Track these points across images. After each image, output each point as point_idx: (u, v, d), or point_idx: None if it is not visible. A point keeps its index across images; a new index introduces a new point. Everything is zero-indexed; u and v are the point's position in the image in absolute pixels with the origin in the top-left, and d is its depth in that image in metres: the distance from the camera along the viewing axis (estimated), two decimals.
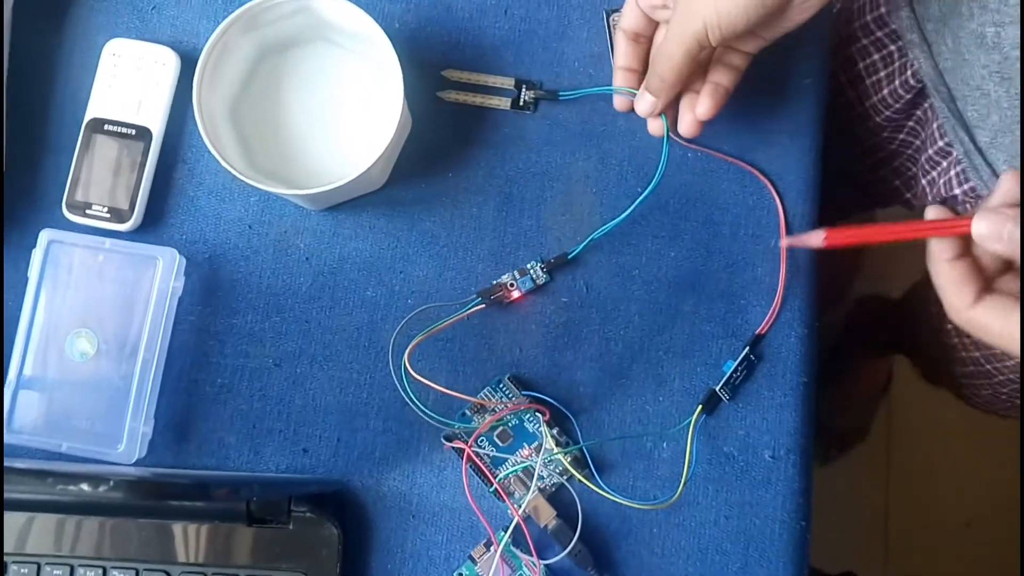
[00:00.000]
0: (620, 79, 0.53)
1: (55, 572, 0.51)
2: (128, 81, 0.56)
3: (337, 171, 0.53)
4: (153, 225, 0.57)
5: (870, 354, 1.30)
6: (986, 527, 1.26)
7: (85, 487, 0.28)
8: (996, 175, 0.54)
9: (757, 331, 0.57)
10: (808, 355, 0.57)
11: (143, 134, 0.56)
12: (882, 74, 0.64)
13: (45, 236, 0.54)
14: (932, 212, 0.44)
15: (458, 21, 0.59)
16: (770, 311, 0.57)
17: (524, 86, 0.58)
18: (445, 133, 0.58)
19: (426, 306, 0.55)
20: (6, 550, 0.51)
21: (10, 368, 0.53)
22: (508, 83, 0.58)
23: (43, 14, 0.59)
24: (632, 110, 0.53)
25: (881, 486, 1.31)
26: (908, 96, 0.63)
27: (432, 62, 0.58)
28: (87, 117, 0.56)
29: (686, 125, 0.52)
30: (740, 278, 0.57)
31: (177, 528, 0.52)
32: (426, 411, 0.52)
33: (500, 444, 0.55)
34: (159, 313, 0.54)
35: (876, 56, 0.64)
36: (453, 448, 0.54)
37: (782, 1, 0.45)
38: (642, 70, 0.53)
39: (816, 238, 0.46)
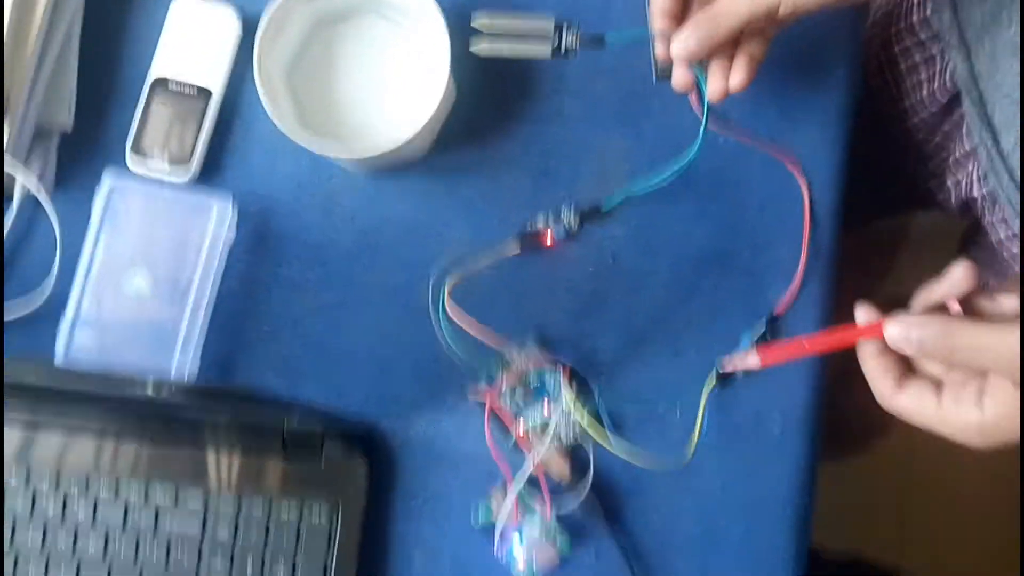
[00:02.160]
0: (660, 24, 0.50)
1: (103, 493, 0.56)
2: (192, 40, 0.60)
3: (385, 137, 0.57)
4: (209, 177, 0.61)
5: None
6: (1005, 516, 1.25)
7: (150, 390, 0.31)
8: (1014, 180, 0.56)
9: (775, 310, 0.59)
10: None
11: (203, 93, 0.60)
12: (923, 76, 0.66)
13: (108, 179, 0.58)
14: (859, 315, 0.48)
15: None
16: (788, 292, 0.59)
17: (565, 29, 0.52)
18: (487, 106, 0.61)
19: (464, 251, 0.57)
20: (56, 467, 0.55)
21: (69, 300, 0.57)
22: (547, 28, 0.53)
23: None
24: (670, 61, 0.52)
25: (900, 473, 1.32)
26: (945, 100, 0.64)
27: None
28: (152, 74, 0.60)
29: (715, 92, 0.52)
30: (762, 258, 0.60)
31: (215, 457, 0.56)
32: (458, 353, 0.55)
33: (522, 400, 0.58)
34: (211, 258, 0.57)
35: (918, 58, 0.65)
36: (477, 400, 0.57)
37: None
38: (682, 16, 0.51)
39: (752, 359, 0.48)
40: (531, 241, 0.58)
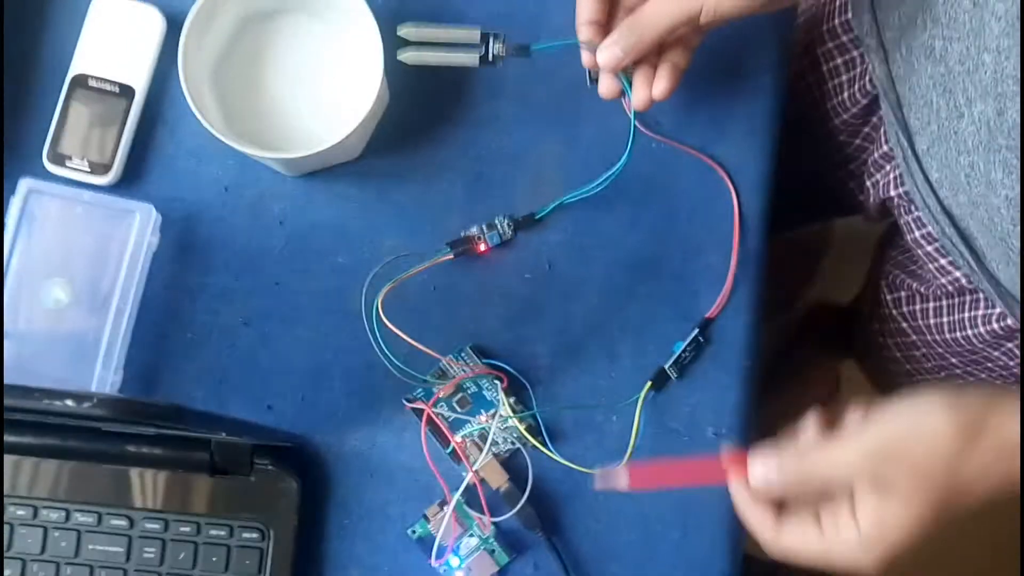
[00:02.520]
0: (585, 33, 0.51)
1: (18, 512, 0.53)
2: (114, 39, 0.58)
3: (315, 139, 0.55)
4: (131, 181, 0.58)
5: (818, 360, 1.34)
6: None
7: (70, 402, 0.30)
8: (928, 181, 0.57)
9: (707, 315, 0.60)
10: (753, 340, 0.60)
11: (126, 91, 0.57)
12: (844, 78, 0.67)
13: (24, 185, 0.55)
14: (726, 452, 0.47)
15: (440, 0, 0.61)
16: (720, 296, 0.60)
17: (492, 38, 0.53)
18: (421, 109, 0.60)
19: (396, 256, 0.56)
20: None
21: None
22: (474, 37, 0.54)
23: None
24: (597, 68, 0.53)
25: None
26: (865, 101, 0.66)
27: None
28: (71, 72, 0.57)
29: (640, 101, 0.52)
30: (694, 264, 0.61)
31: (140, 475, 0.53)
32: (395, 361, 0.54)
33: (459, 409, 0.57)
34: (133, 266, 0.55)
35: (839, 60, 0.67)
36: (414, 409, 0.56)
37: None
38: (608, 25, 0.51)
39: (622, 478, 0.47)
40: (464, 248, 0.58)
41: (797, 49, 0.72)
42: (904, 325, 0.74)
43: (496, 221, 0.59)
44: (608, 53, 0.50)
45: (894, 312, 0.75)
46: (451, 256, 0.57)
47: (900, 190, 0.63)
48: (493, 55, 0.53)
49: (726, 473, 0.46)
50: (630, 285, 0.60)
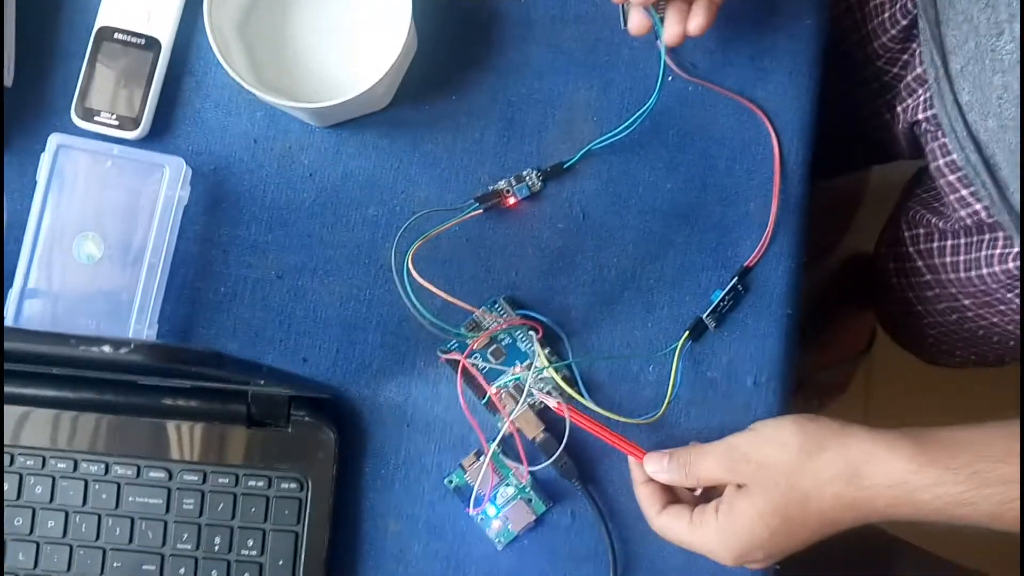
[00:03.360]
0: None
1: (59, 465, 0.53)
2: None
3: (343, 89, 0.54)
4: (160, 135, 0.58)
5: (853, 312, 1.32)
6: None
7: (107, 348, 0.29)
8: (958, 104, 0.55)
9: (746, 263, 0.58)
10: (794, 288, 0.59)
11: (152, 44, 0.57)
12: None
13: (54, 140, 0.55)
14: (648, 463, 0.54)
15: None
16: (759, 244, 0.59)
17: None
18: (451, 56, 0.59)
19: (425, 211, 0.56)
20: (7, 442, 0.53)
21: (17, 268, 0.54)
22: None
23: None
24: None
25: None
26: (904, 22, 0.63)
27: None
28: (96, 25, 0.57)
29: (672, 36, 0.52)
30: (733, 212, 0.59)
31: (177, 427, 0.54)
32: (427, 315, 0.53)
33: (493, 360, 0.57)
34: (164, 220, 0.55)
35: None
36: (449, 360, 0.56)
37: None
38: None
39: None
40: (493, 203, 0.57)
41: None
42: (920, 264, 0.73)
43: (524, 174, 0.57)
44: None
45: (911, 250, 0.73)
46: (480, 212, 0.56)
47: (928, 113, 0.61)
48: None
49: (627, 450, 0.54)
50: (666, 233, 0.59)
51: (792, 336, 0.59)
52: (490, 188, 0.58)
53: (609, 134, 0.57)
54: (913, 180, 0.78)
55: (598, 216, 0.59)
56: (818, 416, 0.51)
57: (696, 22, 0.51)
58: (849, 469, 0.47)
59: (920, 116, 0.63)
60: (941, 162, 0.62)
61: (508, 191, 0.57)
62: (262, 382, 0.42)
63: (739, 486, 0.50)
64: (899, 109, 0.66)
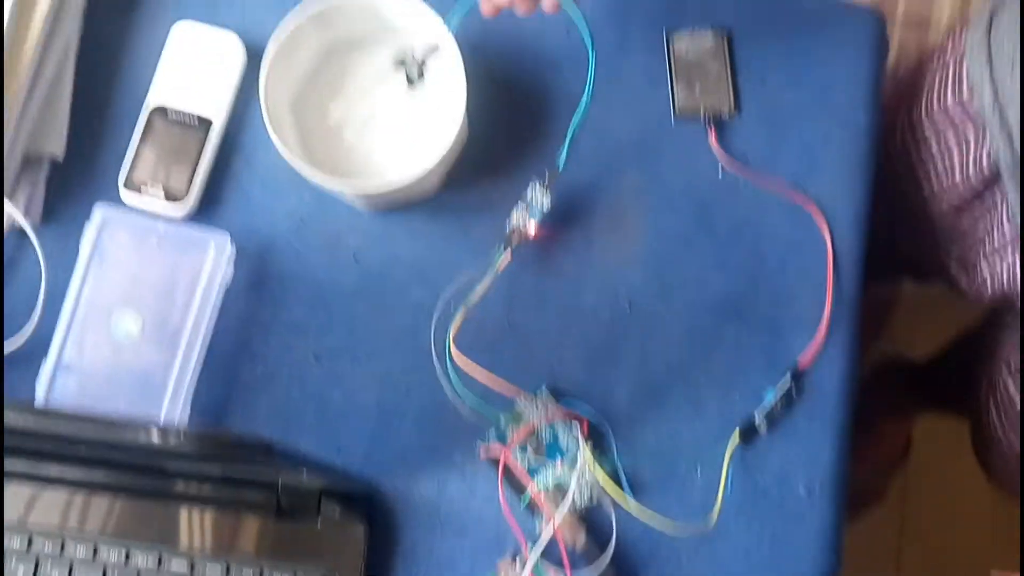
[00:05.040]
0: None
1: (78, 549, 0.51)
2: (193, 66, 0.57)
3: (392, 173, 0.54)
4: (206, 212, 0.57)
5: (890, 417, 1.29)
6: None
7: (156, 438, 0.28)
8: None
9: (799, 364, 0.56)
10: (849, 392, 0.57)
11: (204, 122, 0.57)
12: (956, 158, 0.63)
13: (99, 212, 0.54)
14: None
15: (523, 36, 0.60)
16: (812, 344, 0.56)
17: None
18: (501, 142, 0.59)
19: (463, 278, 0.54)
20: (27, 523, 0.51)
21: (52, 341, 0.53)
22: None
23: None
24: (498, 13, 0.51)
25: (894, 548, 1.29)
26: (980, 183, 0.61)
27: (492, 74, 0.59)
28: (150, 101, 0.57)
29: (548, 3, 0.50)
30: (785, 310, 0.57)
31: (202, 515, 0.51)
32: (466, 397, 0.51)
33: (534, 456, 0.54)
34: (206, 299, 0.54)
35: (952, 139, 0.62)
36: (488, 457, 0.53)
37: None
38: None
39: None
40: (517, 240, 0.54)
41: (898, 126, 0.68)
42: None
43: (527, 193, 0.54)
44: None
45: (1016, 398, 0.69)
46: (509, 256, 0.54)
47: None
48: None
49: None
50: (716, 329, 0.57)
51: (847, 443, 0.56)
52: (507, 231, 0.55)
53: (580, 111, 0.55)
54: (996, 319, 0.74)
55: (644, 307, 0.57)
56: None
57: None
58: None
59: (1019, 284, 0.60)
60: None
61: (523, 221, 0.55)
62: (304, 474, 0.40)
63: None
64: (987, 273, 0.64)
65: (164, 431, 0.28)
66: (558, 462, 0.54)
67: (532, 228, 0.55)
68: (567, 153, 0.55)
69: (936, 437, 1.25)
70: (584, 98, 0.52)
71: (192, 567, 0.51)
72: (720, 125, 0.59)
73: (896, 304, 1.27)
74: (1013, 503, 1.02)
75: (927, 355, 1.17)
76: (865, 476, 1.30)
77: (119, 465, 0.51)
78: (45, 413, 0.29)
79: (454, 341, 0.52)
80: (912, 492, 1.31)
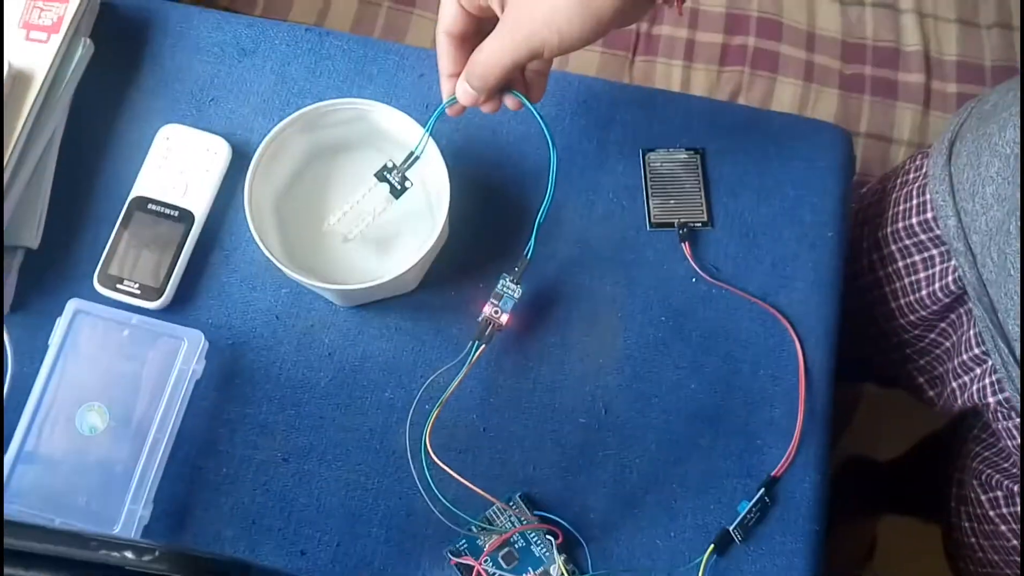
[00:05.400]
0: (449, 88, 0.51)
1: None
2: (178, 165, 0.58)
3: (371, 271, 0.54)
4: (181, 305, 0.57)
5: (852, 517, 1.28)
6: None
7: (129, 555, 0.27)
8: None
9: (772, 473, 0.56)
10: (821, 502, 0.57)
11: (185, 217, 0.57)
12: (922, 276, 0.65)
13: (72, 305, 0.54)
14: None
15: (502, 145, 0.62)
16: (786, 454, 0.57)
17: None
18: (479, 245, 0.59)
19: (435, 374, 0.54)
20: None
21: (15, 433, 0.52)
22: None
23: (104, 94, 0.61)
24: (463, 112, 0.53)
25: None
26: (946, 300, 0.63)
27: (474, 177, 0.60)
28: (131, 194, 0.57)
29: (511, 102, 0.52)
30: (758, 417, 0.58)
31: None
32: (444, 501, 0.50)
33: (505, 566, 0.53)
34: (175, 395, 0.53)
35: (917, 257, 0.64)
36: (459, 564, 0.52)
37: (614, 22, 0.45)
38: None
39: None
40: (490, 331, 0.53)
41: (864, 242, 0.70)
42: (1004, 528, 0.69)
43: (499, 287, 0.54)
44: (465, 94, 0.50)
45: (991, 514, 0.70)
46: (484, 348, 0.53)
47: (1000, 396, 0.60)
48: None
49: None
50: (691, 435, 0.57)
51: (819, 553, 0.56)
52: (479, 320, 0.54)
53: (546, 203, 0.53)
54: (962, 429, 0.75)
55: (620, 412, 0.57)
56: None
57: (535, 94, 0.52)
58: None
59: (989, 399, 0.61)
60: (1015, 443, 0.60)
61: (496, 312, 0.54)
62: None
63: None
64: (954, 386, 0.65)
65: (137, 550, 0.27)
66: (529, 573, 0.53)
67: (504, 318, 0.54)
68: (535, 243, 0.54)
69: (899, 539, 1.24)
70: (549, 189, 0.53)
71: None
72: (694, 236, 0.60)
73: (860, 403, 1.29)
74: None
75: (891, 456, 1.18)
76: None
77: (68, 565, 0.49)
78: (11, 525, 0.28)
79: (429, 440, 0.51)
80: None
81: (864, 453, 1.27)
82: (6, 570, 0.49)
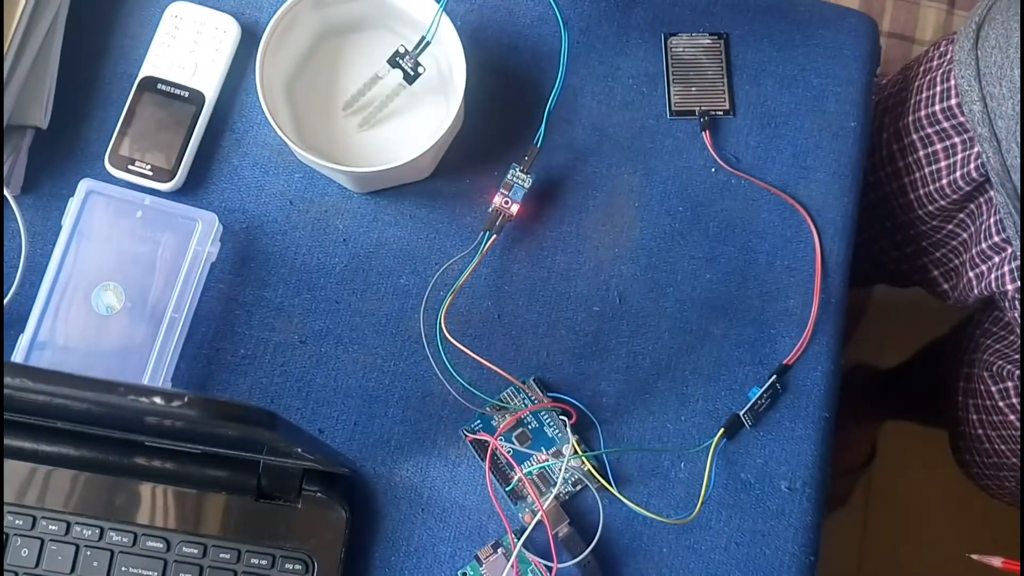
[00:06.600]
0: None
1: (50, 526, 0.50)
2: (186, 44, 0.56)
3: (386, 155, 0.53)
4: (194, 189, 0.56)
5: (854, 424, 1.30)
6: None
7: (158, 400, 0.27)
8: None
9: (785, 361, 0.57)
10: (832, 390, 0.57)
11: (195, 97, 0.56)
12: (943, 164, 0.64)
13: (84, 185, 0.53)
14: None
15: (519, 27, 0.60)
16: (799, 343, 0.57)
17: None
18: (495, 132, 0.58)
19: (450, 261, 0.54)
20: (16, 500, 0.49)
21: (31, 315, 0.52)
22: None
23: None
24: None
25: (855, 552, 1.31)
26: (967, 189, 0.62)
27: (490, 62, 0.59)
28: (140, 74, 0.56)
29: None
30: (772, 307, 0.58)
31: (181, 495, 0.50)
32: (460, 380, 0.51)
33: (518, 444, 0.54)
34: (191, 276, 0.53)
35: (939, 146, 0.63)
36: (474, 441, 0.53)
37: None
38: None
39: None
40: (501, 221, 0.53)
41: (885, 132, 0.69)
42: (1012, 418, 0.69)
43: (509, 176, 0.54)
44: None
45: (1000, 404, 0.70)
46: (495, 238, 0.53)
47: (1017, 283, 0.60)
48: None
49: None
50: (704, 324, 0.57)
51: (828, 441, 0.57)
52: (489, 210, 0.54)
53: (555, 93, 0.54)
54: (981, 330, 0.75)
55: (634, 301, 0.57)
56: None
57: None
58: None
59: (1008, 287, 0.61)
60: None
61: (506, 202, 0.54)
62: (299, 450, 0.39)
63: None
64: (971, 275, 0.64)
65: (167, 394, 0.27)
66: (542, 452, 0.54)
67: (514, 208, 0.54)
68: (545, 131, 0.54)
69: (900, 445, 1.26)
70: (559, 75, 0.51)
71: (168, 546, 0.50)
72: (715, 125, 0.59)
73: (864, 312, 1.29)
74: (977, 510, 1.04)
75: (894, 363, 1.19)
76: (830, 482, 1.31)
77: (95, 440, 0.50)
78: (37, 373, 0.28)
79: (444, 323, 0.51)
80: (875, 497, 1.33)
81: (866, 361, 1.28)
82: (32, 444, 0.50)
